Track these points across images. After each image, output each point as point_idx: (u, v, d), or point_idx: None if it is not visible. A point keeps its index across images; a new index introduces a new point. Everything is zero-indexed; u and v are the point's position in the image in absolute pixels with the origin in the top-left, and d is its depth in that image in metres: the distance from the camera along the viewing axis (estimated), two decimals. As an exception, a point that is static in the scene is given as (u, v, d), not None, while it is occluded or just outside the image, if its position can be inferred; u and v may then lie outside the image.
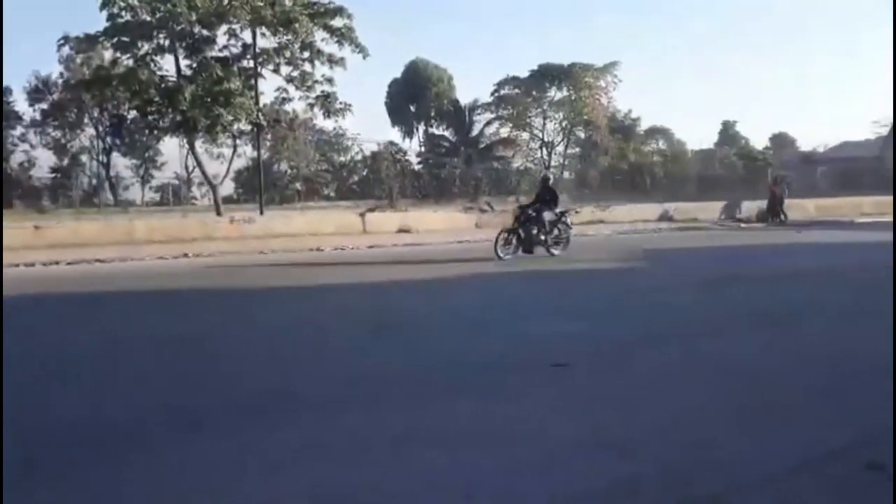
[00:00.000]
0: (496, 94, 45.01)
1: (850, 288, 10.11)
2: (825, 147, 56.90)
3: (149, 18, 24.87)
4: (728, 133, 63.43)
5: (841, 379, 5.36)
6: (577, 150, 45.36)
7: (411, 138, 47.89)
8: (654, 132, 51.73)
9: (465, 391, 4.92)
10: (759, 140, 65.94)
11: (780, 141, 64.62)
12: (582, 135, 44.12)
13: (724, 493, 3.36)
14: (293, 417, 4.34)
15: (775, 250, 16.45)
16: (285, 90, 27.56)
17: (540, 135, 45.30)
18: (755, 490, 3.39)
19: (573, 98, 43.64)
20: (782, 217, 25.61)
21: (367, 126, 71.45)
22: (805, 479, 3.50)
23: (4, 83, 41.40)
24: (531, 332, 7.00)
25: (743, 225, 25.01)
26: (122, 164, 51.14)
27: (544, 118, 45.25)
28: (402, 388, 5.02)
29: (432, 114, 46.72)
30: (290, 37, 26.17)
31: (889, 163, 44.89)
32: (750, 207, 27.69)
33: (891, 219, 26.29)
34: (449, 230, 20.35)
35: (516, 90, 44.81)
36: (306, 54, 26.76)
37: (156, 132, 29.44)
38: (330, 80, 27.08)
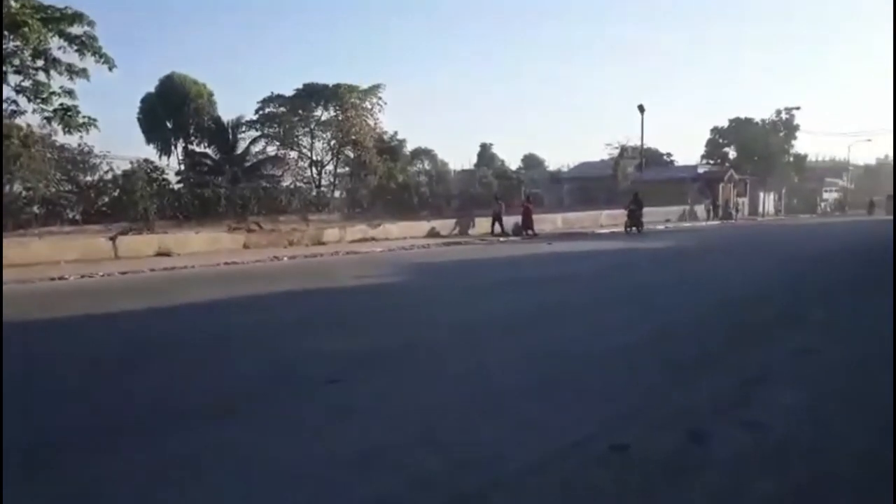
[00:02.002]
0: (261, 112, 43.76)
1: (590, 290, 11.30)
2: (568, 167, 63.39)
3: None
4: (486, 154, 68.13)
5: (580, 372, 5.88)
6: (347, 169, 45.58)
7: (169, 156, 44.79)
8: (420, 153, 53.86)
9: (235, 413, 4.66)
10: (513, 160, 71.69)
11: (531, 161, 70.85)
12: (351, 154, 44.39)
13: (479, 494, 3.47)
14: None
15: (530, 259, 17.83)
16: (15, 102, 24.36)
17: (309, 153, 44.82)
18: (509, 486, 3.54)
19: (340, 118, 43.82)
20: (530, 231, 28.02)
21: (119, 143, 65.68)
22: (555, 467, 3.74)
23: None
24: (305, 348, 6.85)
25: (501, 239, 26.79)
26: None
27: (312, 137, 44.86)
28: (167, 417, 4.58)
29: (192, 130, 44.12)
30: (18, 43, 23.14)
31: (620, 181, 51.06)
32: (506, 222, 29.78)
33: (622, 229, 30.03)
34: (215, 252, 19.27)
35: (282, 108, 43.96)
36: (40, 63, 23.87)
37: None
38: (70, 93, 24.36)
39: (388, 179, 39.74)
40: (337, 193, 46.43)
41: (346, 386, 5.43)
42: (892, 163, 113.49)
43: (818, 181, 74.87)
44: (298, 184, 43.80)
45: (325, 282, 13.00)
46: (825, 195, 73.41)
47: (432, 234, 27.41)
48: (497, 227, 28.33)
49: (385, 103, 44.20)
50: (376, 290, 12.29)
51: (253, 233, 22.23)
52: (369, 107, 43.82)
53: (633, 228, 29.33)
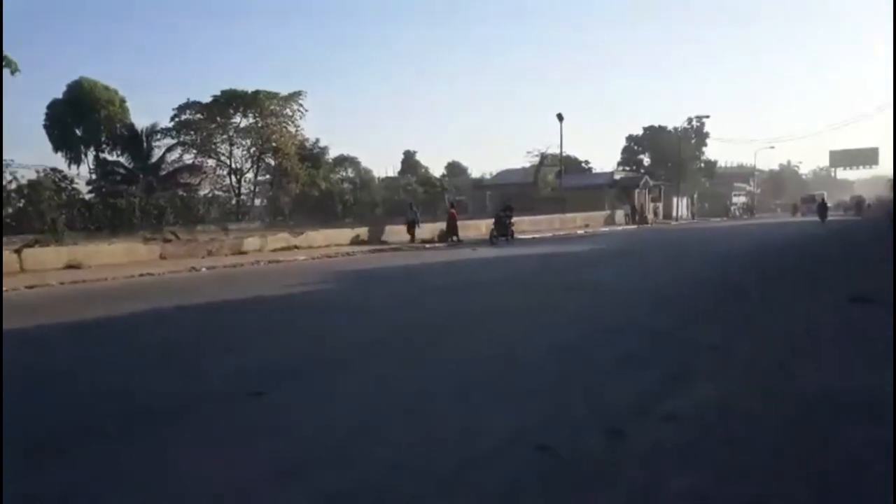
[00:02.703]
0: (177, 119, 42.45)
1: (514, 294, 11.48)
2: (491, 174, 64.25)
3: None
4: (410, 162, 68.26)
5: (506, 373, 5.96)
6: (268, 177, 44.74)
7: (79, 165, 42.87)
8: (343, 160, 53.47)
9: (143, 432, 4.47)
10: (436, 168, 72.12)
11: (454, 169, 71.42)
12: (272, 162, 43.58)
13: (404, 499, 3.47)
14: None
15: (454, 265, 17.93)
16: None
17: (228, 161, 43.74)
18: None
19: (260, 125, 43.00)
20: (455, 238, 28.12)
21: (23, 152, 62.36)
22: (480, 471, 3.77)
23: None
24: (225, 361, 6.67)
25: (427, 245, 26.85)
26: None
27: (231, 144, 43.81)
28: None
29: (104, 138, 42.37)
30: None
31: (541, 188, 52.12)
32: (433, 229, 29.87)
33: (544, 234, 30.64)
34: (129, 263, 18.51)
35: (199, 115, 42.78)
36: (-67, 64, 22.42)
37: None
38: (-33, 98, 22.99)
39: (311, 187, 39.22)
40: (258, 202, 45.52)
41: (268, 400, 5.32)
42: (793, 168, 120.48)
43: (727, 186, 78.45)
44: (217, 192, 42.70)
45: (245, 292, 12.70)
46: (734, 199, 76.95)
47: (357, 241, 27.21)
48: (416, 234, 27.86)
49: (306, 110, 43.72)
50: (299, 299, 12.10)
51: (169, 243, 21.48)
52: (290, 114, 43.21)
53: (503, 238, 27.42)
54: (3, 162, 27.53)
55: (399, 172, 62.65)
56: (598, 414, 4.74)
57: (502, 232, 27.60)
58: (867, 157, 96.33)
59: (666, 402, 4.95)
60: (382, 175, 58.17)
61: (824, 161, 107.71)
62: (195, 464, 4.00)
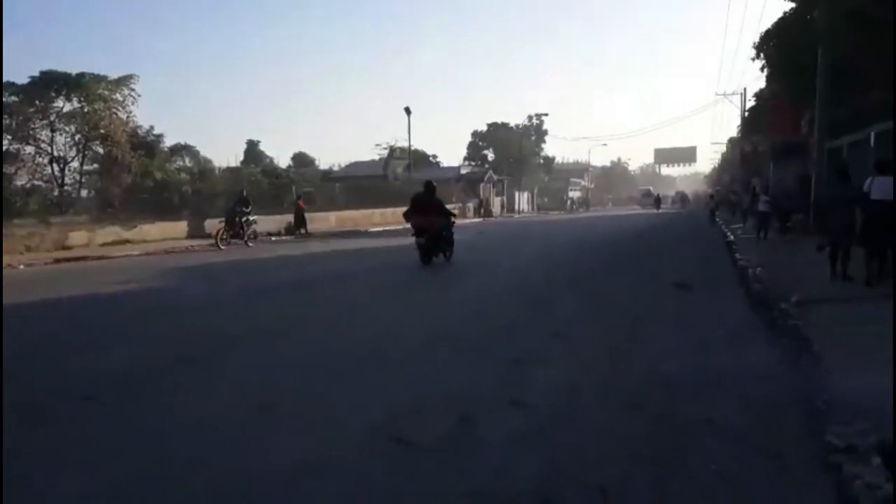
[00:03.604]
0: (-13, 101, 38.10)
1: (366, 288, 11.41)
2: (340, 166, 63.42)
3: None
4: (253, 152, 65.77)
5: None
6: (96, 166, 41.32)
7: None
8: (180, 149, 50.43)
9: None
10: (282, 159, 70.14)
11: (301, 160, 69.70)
12: (101, 150, 40.26)
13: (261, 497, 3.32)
14: None
15: (303, 259, 17.53)
16: None
17: (49, 149, 39.90)
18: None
19: (86, 111, 39.62)
20: (303, 230, 27.48)
21: None
22: (334, 464, 3.70)
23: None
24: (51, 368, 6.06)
25: (274, 238, 26.06)
26: None
27: (52, 130, 39.96)
28: None
29: None
30: None
31: (391, 181, 52.20)
32: (279, 221, 29.02)
33: (394, 227, 30.71)
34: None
35: (14, 97, 38.65)
36: None
37: None
38: None
39: (145, 177, 36.69)
40: (84, 193, 41.91)
41: (99, 406, 4.90)
42: (623, 165, 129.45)
43: (565, 181, 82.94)
44: (36, 182, 38.84)
45: (67, 291, 11.64)
46: (570, 194, 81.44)
47: (197, 235, 25.89)
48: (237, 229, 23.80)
49: (139, 95, 40.78)
50: (132, 298, 11.28)
51: (-22, 238, 19.24)
52: (121, 99, 40.14)
53: (233, 240, 23.90)
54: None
55: (242, 163, 60.18)
56: (449, 401, 4.78)
57: (235, 234, 22.89)
58: (687, 155, 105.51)
59: (512, 388, 5.09)
60: (224, 165, 55.60)
61: (650, 158, 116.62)
62: None
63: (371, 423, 4.34)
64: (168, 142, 45.19)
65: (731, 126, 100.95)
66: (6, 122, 38.78)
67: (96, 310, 9.94)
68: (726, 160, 71.73)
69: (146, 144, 40.78)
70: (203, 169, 47.11)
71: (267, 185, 42.81)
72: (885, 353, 5.51)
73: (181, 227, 26.05)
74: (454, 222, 15.43)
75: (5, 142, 38.99)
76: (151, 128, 41.27)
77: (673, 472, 3.54)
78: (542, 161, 77.37)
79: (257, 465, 3.71)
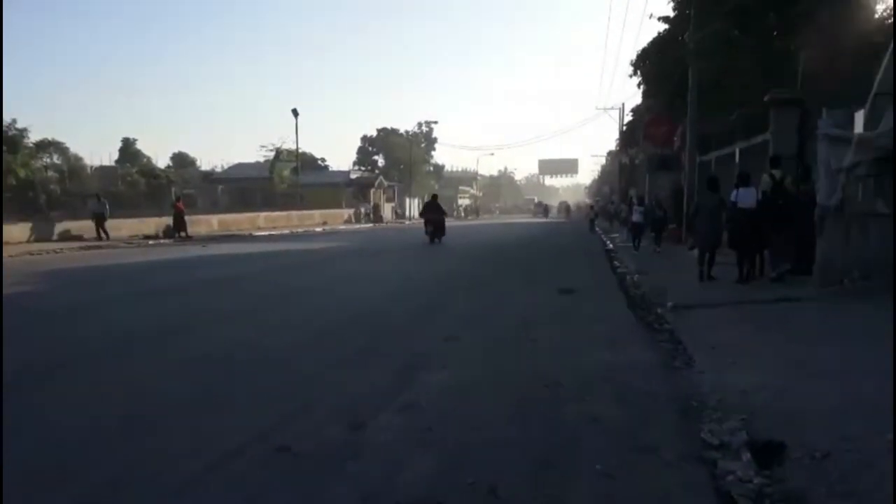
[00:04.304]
0: None
1: (246, 294, 11.05)
2: (222, 167, 61.14)
3: None
4: (129, 150, 62.16)
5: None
6: (-52, 160, 37.85)
7: None
8: (47, 146, 47.04)
9: None
10: (161, 159, 66.79)
11: (181, 160, 66.64)
12: (-47, 144, 36.91)
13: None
14: None
15: (182, 263, 16.76)
16: None
17: None
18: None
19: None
20: (183, 233, 26.28)
21: None
22: (218, 475, 3.53)
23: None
24: None
25: (151, 242, 24.79)
26: None
27: None
28: None
29: None
30: None
31: (277, 184, 50.91)
32: (158, 223, 27.68)
33: (281, 231, 30.01)
34: None
35: None
36: None
37: None
38: None
39: (6, 174, 33.96)
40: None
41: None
42: (509, 174, 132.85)
43: (454, 189, 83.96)
44: None
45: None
46: (460, 201, 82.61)
47: (67, 236, 24.24)
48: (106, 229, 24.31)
49: None
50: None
51: None
52: (-22, 88, 37.01)
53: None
54: None
55: (116, 161, 56.85)
56: (340, 407, 4.68)
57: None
58: (569, 166, 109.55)
59: (403, 392, 5.06)
60: (97, 164, 52.31)
61: (535, 169, 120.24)
62: None
63: (254, 435, 4.17)
64: (34, 137, 41.96)
65: (610, 139, 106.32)
66: None
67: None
68: (606, 172, 75.19)
69: (8, 139, 37.79)
70: (73, 167, 44.18)
71: (144, 186, 40.79)
72: (748, 355, 5.92)
73: (50, 228, 24.27)
74: (446, 218, 24.14)
75: None
76: (14, 121, 38.20)
77: (559, 471, 3.62)
78: (432, 168, 78.12)
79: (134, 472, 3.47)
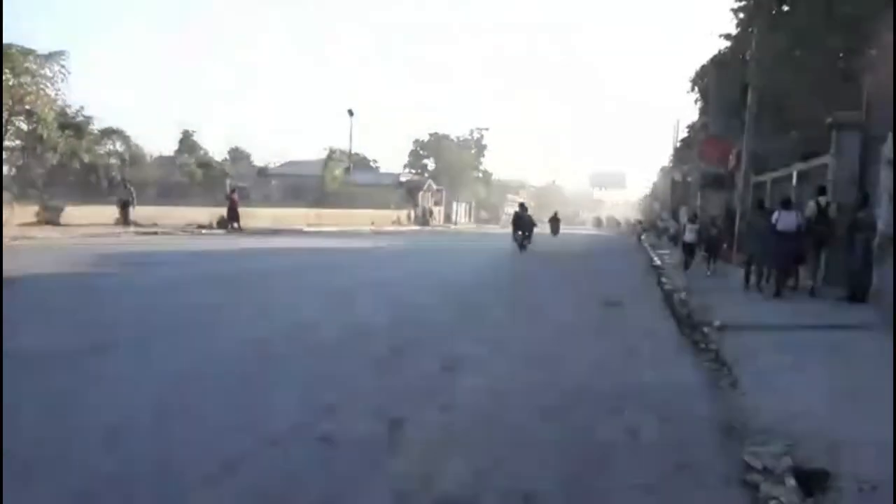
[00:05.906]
0: None
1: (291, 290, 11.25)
2: (276, 164, 62.18)
3: None
4: (188, 142, 63.74)
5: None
6: (19, 143, 39.37)
7: None
8: (111, 133, 48.56)
9: None
10: (218, 151, 68.30)
11: (236, 154, 68.05)
12: (25, 126, 38.40)
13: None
14: None
15: (231, 254, 17.15)
16: None
17: (-35, 121, 37.79)
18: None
19: (12, 84, 37.71)
20: (236, 225, 26.82)
21: None
22: (261, 460, 3.62)
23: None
24: None
25: (204, 231, 25.40)
26: None
27: (-29, 101, 37.92)
28: None
29: None
30: None
31: (329, 183, 51.58)
32: (212, 213, 28.33)
33: (331, 228, 30.44)
34: None
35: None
36: None
37: None
38: None
39: (72, 158, 35.18)
40: (6, 170, 39.85)
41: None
42: (557, 186, 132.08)
43: (501, 196, 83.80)
44: (-53, 158, 36.75)
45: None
46: (507, 209, 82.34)
47: (120, 222, 24.97)
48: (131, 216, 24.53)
49: (69, 72, 39.13)
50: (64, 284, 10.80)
51: None
52: (50, 75, 38.42)
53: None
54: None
55: (175, 152, 58.35)
56: (380, 404, 4.76)
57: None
58: (618, 180, 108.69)
59: (442, 393, 5.11)
60: (157, 154, 53.77)
61: (582, 182, 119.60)
62: None
63: (298, 424, 4.27)
64: (100, 124, 43.26)
65: (660, 156, 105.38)
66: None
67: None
68: (657, 187, 74.06)
69: (75, 125, 39.13)
70: (134, 154, 45.50)
71: (201, 177, 41.72)
72: (796, 381, 5.80)
73: (109, 212, 24.97)
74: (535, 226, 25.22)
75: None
76: (82, 108, 39.54)
77: (596, 484, 3.61)
78: (480, 174, 78.07)
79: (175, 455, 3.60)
